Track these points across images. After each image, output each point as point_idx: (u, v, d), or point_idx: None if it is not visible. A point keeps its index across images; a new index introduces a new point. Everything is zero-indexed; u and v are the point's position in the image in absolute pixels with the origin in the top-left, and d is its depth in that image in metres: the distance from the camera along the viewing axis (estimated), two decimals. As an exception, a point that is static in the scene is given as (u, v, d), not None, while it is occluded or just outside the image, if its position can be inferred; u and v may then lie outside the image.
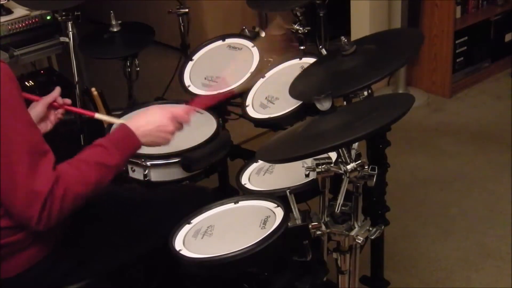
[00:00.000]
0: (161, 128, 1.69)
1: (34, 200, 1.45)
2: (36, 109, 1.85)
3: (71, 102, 1.93)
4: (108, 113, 2.31)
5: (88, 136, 2.69)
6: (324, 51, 2.17)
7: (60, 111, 1.90)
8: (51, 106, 1.88)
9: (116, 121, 1.90)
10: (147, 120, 1.69)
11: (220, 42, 2.40)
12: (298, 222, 1.63)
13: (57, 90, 1.91)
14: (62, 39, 2.83)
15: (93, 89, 2.45)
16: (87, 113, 1.97)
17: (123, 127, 1.66)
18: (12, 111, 1.45)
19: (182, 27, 2.86)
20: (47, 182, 1.46)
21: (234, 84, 2.20)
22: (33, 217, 1.46)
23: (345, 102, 1.87)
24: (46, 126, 1.88)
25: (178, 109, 1.75)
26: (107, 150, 1.59)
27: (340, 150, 1.57)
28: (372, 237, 1.69)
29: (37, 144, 1.49)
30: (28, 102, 1.86)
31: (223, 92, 2.14)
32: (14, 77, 1.48)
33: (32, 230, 1.53)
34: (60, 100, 1.90)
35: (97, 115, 1.95)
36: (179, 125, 1.74)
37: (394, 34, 2.42)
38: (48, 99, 1.87)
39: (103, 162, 1.57)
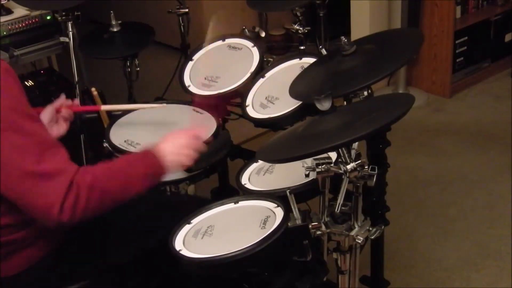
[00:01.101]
0: (182, 148, 1.71)
1: (55, 187, 1.40)
2: (47, 115, 1.90)
3: (78, 102, 1.99)
4: (108, 113, 2.31)
5: (88, 136, 2.69)
6: (324, 51, 2.17)
7: (65, 111, 1.95)
8: (59, 111, 1.94)
9: (123, 107, 1.91)
10: (167, 142, 1.70)
11: (220, 42, 2.40)
12: (298, 222, 1.63)
13: (63, 96, 1.97)
14: (62, 39, 2.83)
15: (93, 89, 2.45)
16: (93, 108, 2.00)
17: (147, 150, 1.68)
18: (13, 105, 1.43)
19: (182, 27, 2.86)
20: (68, 170, 1.42)
21: (234, 84, 2.21)
22: (55, 205, 1.39)
23: (345, 102, 1.87)
24: (58, 130, 1.93)
25: (194, 129, 1.79)
26: (133, 159, 1.64)
27: (340, 150, 1.57)
28: (372, 237, 1.69)
29: (45, 136, 1.48)
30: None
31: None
32: (12, 71, 1.47)
33: (54, 223, 1.43)
34: (69, 103, 1.95)
35: (103, 107, 1.97)
36: (198, 145, 1.75)
37: (394, 34, 2.42)
38: (55, 105, 1.93)
39: (130, 167, 1.59)
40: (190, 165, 1.74)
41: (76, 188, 1.42)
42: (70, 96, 2.10)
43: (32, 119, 1.48)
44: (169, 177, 1.98)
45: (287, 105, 2.01)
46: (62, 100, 1.96)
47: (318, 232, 1.64)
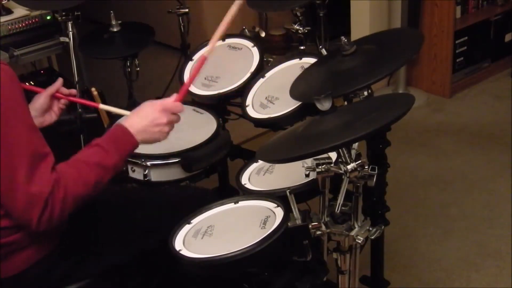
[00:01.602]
0: (155, 122, 1.68)
1: (33, 203, 1.45)
2: (40, 101, 1.87)
3: (76, 92, 1.96)
4: (108, 112, 2.31)
5: (88, 136, 2.69)
6: (324, 51, 2.17)
7: (63, 101, 1.92)
8: (54, 97, 1.90)
9: (121, 111, 1.90)
10: (139, 117, 1.68)
11: (220, 42, 2.39)
12: (298, 222, 1.63)
13: (60, 80, 1.93)
14: (62, 39, 2.83)
15: (93, 89, 2.45)
16: (91, 104, 1.98)
17: (119, 126, 1.66)
18: (13, 114, 1.44)
19: (182, 27, 2.86)
20: (47, 185, 1.46)
21: (234, 84, 2.21)
22: (32, 220, 1.46)
23: (345, 102, 1.87)
24: (50, 117, 1.90)
25: (167, 100, 1.74)
26: (104, 150, 1.59)
27: (340, 150, 1.57)
28: (372, 237, 1.69)
29: (37, 147, 1.49)
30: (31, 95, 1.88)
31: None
32: (16, 79, 1.47)
33: (33, 231, 1.52)
34: (65, 91, 1.92)
35: (101, 106, 1.96)
36: (173, 116, 1.72)
37: (394, 34, 2.41)
38: (51, 89, 1.90)
39: (101, 162, 1.57)
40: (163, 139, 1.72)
41: (51, 204, 1.47)
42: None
43: (30, 128, 1.49)
44: (169, 177, 1.99)
45: (287, 105, 2.01)
46: (58, 85, 1.91)
47: (318, 232, 1.64)
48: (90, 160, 1.57)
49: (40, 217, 1.46)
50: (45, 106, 1.88)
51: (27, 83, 3.01)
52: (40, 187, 1.45)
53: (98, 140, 1.62)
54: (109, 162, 1.59)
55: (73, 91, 1.96)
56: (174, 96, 1.76)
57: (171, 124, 1.72)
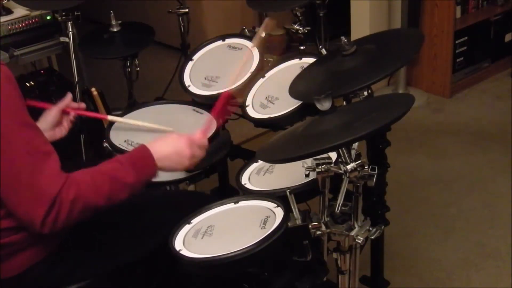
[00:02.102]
0: (179, 153, 1.68)
1: (39, 200, 1.44)
2: (50, 117, 1.91)
3: (85, 106, 1.99)
4: (108, 113, 2.31)
5: (88, 136, 2.69)
6: (324, 51, 2.17)
7: (72, 115, 1.96)
8: (64, 112, 1.94)
9: (129, 121, 1.91)
10: (165, 144, 1.69)
11: (220, 42, 2.40)
12: (298, 222, 1.63)
13: (69, 96, 1.97)
14: (62, 39, 2.84)
15: (93, 89, 2.45)
16: (100, 116, 2.00)
17: (143, 147, 1.66)
18: (10, 113, 1.45)
19: (182, 27, 2.86)
20: (55, 183, 1.45)
21: (234, 85, 2.20)
22: (38, 218, 1.44)
23: (345, 102, 1.87)
24: (60, 132, 1.94)
25: (195, 134, 1.76)
26: (122, 166, 1.58)
27: (340, 150, 1.57)
28: (372, 237, 1.69)
29: (38, 145, 1.49)
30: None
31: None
32: (13, 78, 1.48)
33: (36, 232, 1.50)
34: (75, 105, 1.96)
35: (110, 118, 1.98)
36: (198, 150, 1.73)
37: (394, 34, 2.42)
38: (61, 105, 1.94)
39: (117, 176, 1.56)
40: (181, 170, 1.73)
41: (58, 204, 1.45)
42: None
43: (29, 126, 1.49)
44: (169, 177, 1.99)
45: (287, 105, 2.01)
46: (68, 101, 1.95)
47: (318, 232, 1.64)
48: (107, 172, 1.56)
49: (46, 217, 1.44)
50: (55, 120, 1.92)
51: (26, 83, 3.02)
52: (48, 184, 1.44)
53: (120, 156, 1.63)
54: (126, 178, 1.57)
55: (82, 104, 2.00)
56: (200, 131, 1.78)
57: (194, 158, 1.72)
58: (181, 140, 1.70)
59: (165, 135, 1.73)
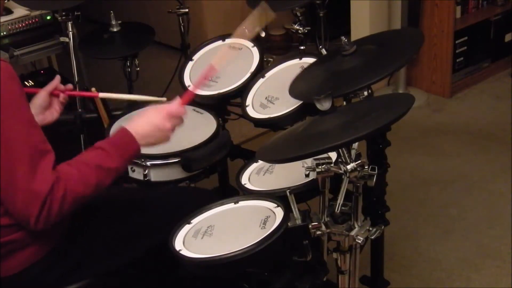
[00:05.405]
0: (160, 127, 1.69)
1: (33, 199, 1.45)
2: (39, 100, 1.90)
3: (72, 86, 1.98)
4: (108, 113, 2.31)
5: (88, 136, 2.69)
6: (324, 51, 2.17)
7: (62, 97, 1.94)
8: (53, 95, 1.93)
9: (122, 96, 1.90)
10: (144, 122, 1.69)
11: (220, 42, 2.40)
12: (298, 222, 1.63)
13: (57, 78, 1.96)
14: (62, 39, 2.84)
15: (93, 89, 2.45)
16: (90, 94, 1.99)
17: (123, 130, 1.67)
18: (12, 110, 1.45)
19: (182, 27, 2.86)
20: (47, 182, 1.46)
21: (234, 84, 2.21)
22: (31, 217, 1.46)
23: (345, 102, 1.87)
24: (51, 115, 1.93)
25: (172, 105, 1.75)
26: (107, 153, 1.59)
27: (340, 150, 1.57)
28: (372, 237, 1.69)
29: (37, 144, 1.49)
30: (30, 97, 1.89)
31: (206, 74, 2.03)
32: (15, 76, 1.49)
33: (31, 229, 1.52)
34: (62, 87, 1.95)
35: (101, 95, 1.97)
36: (177, 120, 1.73)
37: (394, 34, 2.42)
38: (49, 88, 1.93)
39: (103, 164, 1.58)
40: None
41: (49, 202, 1.47)
42: (69, 96, 2.10)
43: (30, 124, 1.50)
44: (169, 177, 1.99)
45: (287, 105, 2.01)
46: (55, 83, 1.94)
47: (318, 232, 1.64)
48: (92, 161, 1.57)
49: (39, 215, 1.46)
50: (44, 104, 1.90)
51: (26, 83, 3.02)
52: (40, 184, 1.46)
53: (101, 142, 1.63)
54: (111, 164, 1.59)
55: (69, 85, 1.98)
56: (178, 100, 1.77)
57: (175, 129, 1.73)
58: (160, 114, 1.70)
59: (143, 111, 1.73)
